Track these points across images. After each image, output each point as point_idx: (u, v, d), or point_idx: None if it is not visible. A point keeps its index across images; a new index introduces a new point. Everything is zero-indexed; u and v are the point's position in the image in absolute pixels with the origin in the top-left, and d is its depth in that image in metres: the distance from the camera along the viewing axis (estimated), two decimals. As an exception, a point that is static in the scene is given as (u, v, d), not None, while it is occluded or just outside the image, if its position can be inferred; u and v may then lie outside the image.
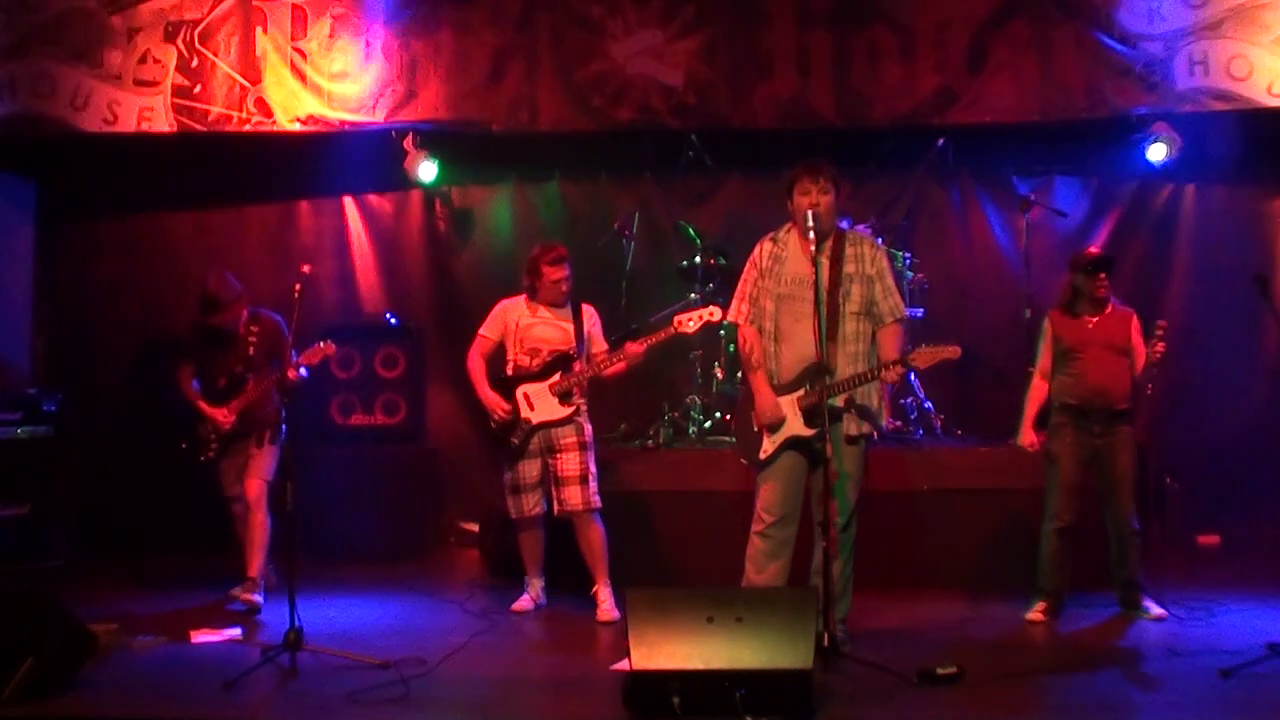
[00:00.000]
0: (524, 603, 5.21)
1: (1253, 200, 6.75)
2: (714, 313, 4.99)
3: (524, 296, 5.23)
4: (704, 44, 6.32)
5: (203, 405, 5.35)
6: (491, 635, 4.81)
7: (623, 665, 3.89)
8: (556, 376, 5.08)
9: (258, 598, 5.19)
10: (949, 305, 6.69)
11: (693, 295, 6.30)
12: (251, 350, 5.33)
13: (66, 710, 3.87)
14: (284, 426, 5.33)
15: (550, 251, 5.16)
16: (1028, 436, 4.98)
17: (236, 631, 4.80)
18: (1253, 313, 6.76)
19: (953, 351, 4.18)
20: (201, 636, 4.75)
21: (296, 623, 4.18)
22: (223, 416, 5.31)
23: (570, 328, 5.16)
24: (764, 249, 4.45)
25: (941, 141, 6.53)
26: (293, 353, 4.97)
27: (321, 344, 5.13)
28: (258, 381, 5.31)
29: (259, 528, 5.29)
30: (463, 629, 4.86)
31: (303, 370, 5.07)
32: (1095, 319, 4.93)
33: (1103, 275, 4.86)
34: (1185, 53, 6.03)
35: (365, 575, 5.95)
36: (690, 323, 4.98)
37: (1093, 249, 5.06)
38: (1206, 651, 4.31)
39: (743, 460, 4.52)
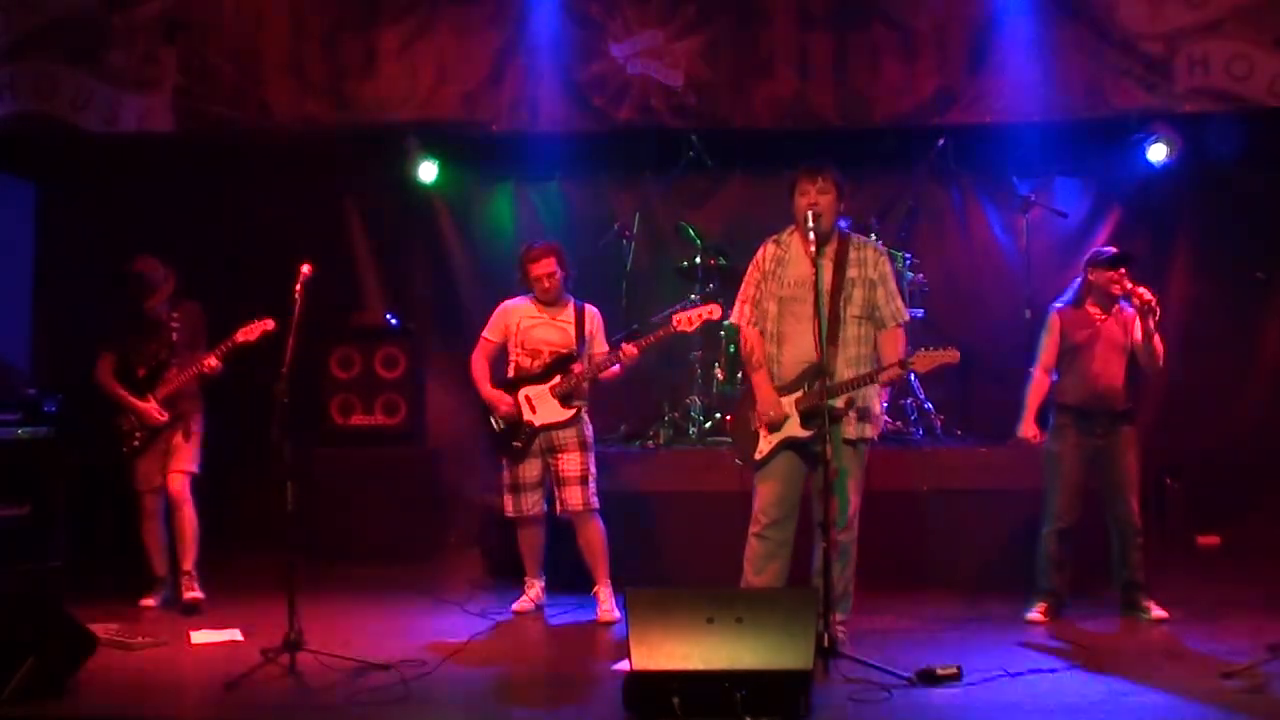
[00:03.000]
0: (524, 603, 5.21)
1: (1253, 201, 6.75)
2: (713, 311, 4.99)
3: (525, 298, 5.23)
4: (704, 44, 6.33)
5: (131, 398, 5.26)
6: (491, 636, 4.82)
7: (623, 665, 3.89)
8: (557, 379, 5.08)
9: (198, 592, 5.22)
10: (949, 305, 6.69)
11: (693, 296, 6.30)
12: (175, 336, 5.26)
13: (67, 711, 3.87)
14: (203, 418, 5.33)
15: (532, 249, 5.16)
16: (1029, 429, 4.97)
17: (236, 632, 4.80)
18: (1253, 313, 6.79)
19: (951, 356, 4.17)
20: (201, 637, 4.75)
21: (296, 624, 4.17)
22: (155, 410, 5.23)
23: (571, 329, 5.16)
24: (767, 251, 4.46)
25: (942, 142, 6.52)
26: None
27: (258, 320, 5.00)
28: (181, 369, 5.22)
29: (189, 522, 5.26)
30: (463, 629, 4.86)
31: (214, 361, 5.05)
32: (1103, 317, 4.92)
33: (1122, 270, 4.85)
34: (1185, 53, 6.03)
35: (365, 576, 5.95)
36: (689, 321, 4.97)
37: (1112, 247, 5.06)
38: (1207, 653, 4.31)
39: (737, 461, 4.51)
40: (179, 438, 5.30)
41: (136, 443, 5.28)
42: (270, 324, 4.98)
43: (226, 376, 5.25)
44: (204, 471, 5.41)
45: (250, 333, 5.02)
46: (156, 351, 5.28)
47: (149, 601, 5.32)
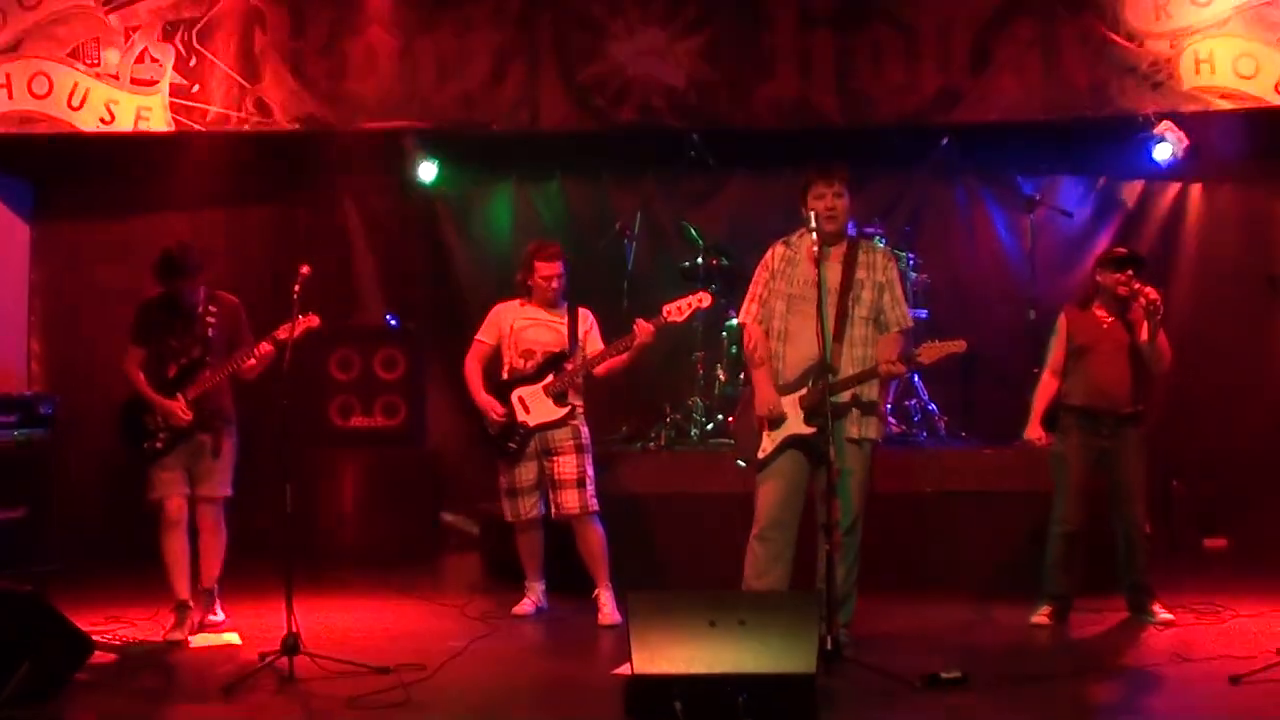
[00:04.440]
0: (524, 606, 5.20)
1: (1261, 200, 6.73)
2: (702, 299, 4.99)
3: (519, 300, 5.22)
4: (706, 44, 6.32)
5: (154, 395, 4.77)
6: (491, 639, 4.79)
7: (624, 669, 3.87)
8: (550, 377, 5.07)
9: (217, 613, 4.95)
10: (953, 306, 6.67)
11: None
12: (210, 332, 4.83)
13: (63, 715, 3.85)
14: (235, 428, 4.93)
15: (545, 248, 5.16)
16: (1034, 431, 4.96)
17: (234, 636, 4.78)
18: (1261, 314, 6.76)
19: (958, 345, 4.16)
20: (198, 640, 4.74)
21: (294, 627, 4.16)
22: (180, 409, 4.73)
23: (564, 329, 5.15)
24: (777, 252, 4.46)
25: (945, 141, 6.51)
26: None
27: (302, 317, 4.55)
28: (215, 369, 4.80)
29: (220, 545, 4.92)
30: (462, 633, 4.84)
31: (268, 346, 4.67)
32: (1111, 319, 4.91)
33: (1129, 272, 4.84)
34: (1192, 51, 6.01)
35: (364, 579, 5.93)
36: (679, 311, 4.95)
37: (1121, 248, 5.05)
38: (1215, 656, 4.28)
39: (739, 461, 4.50)
40: (208, 458, 4.84)
41: (160, 444, 4.79)
42: (315, 321, 4.62)
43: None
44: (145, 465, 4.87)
45: (291, 330, 4.52)
46: (189, 347, 4.82)
47: (177, 635, 4.72)
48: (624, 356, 5.03)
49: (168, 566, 4.85)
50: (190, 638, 4.75)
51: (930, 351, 4.17)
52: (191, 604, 4.85)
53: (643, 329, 4.94)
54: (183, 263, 4.77)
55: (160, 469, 4.84)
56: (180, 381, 4.83)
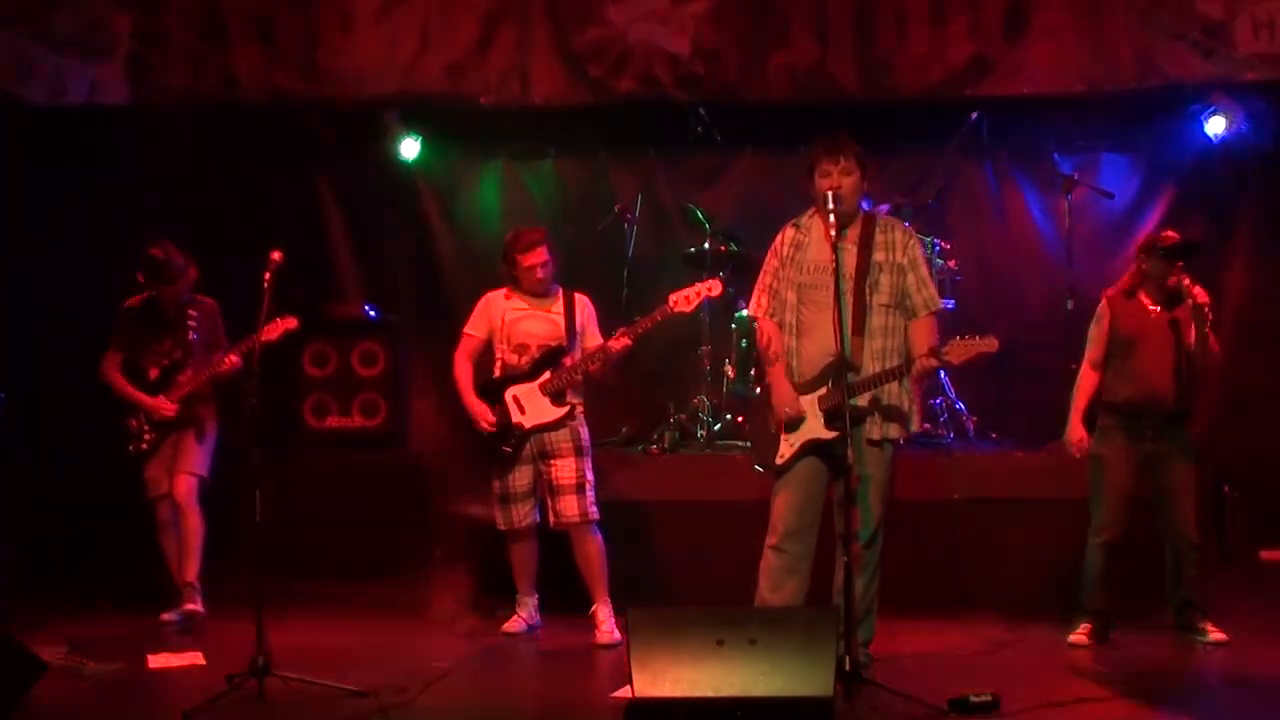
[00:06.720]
0: (515, 623, 5.21)
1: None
2: (712, 287, 4.99)
3: (506, 289, 5.21)
4: (713, 8, 6.31)
5: (137, 393, 5.38)
6: (480, 660, 4.82)
7: (624, 693, 3.89)
8: (546, 375, 5.07)
9: (198, 605, 5.32)
10: (983, 296, 6.68)
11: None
12: (191, 335, 5.37)
13: (9, 743, 3.88)
14: (217, 423, 5.48)
15: (523, 238, 5.14)
16: (1076, 433, 4.95)
17: (198, 656, 4.79)
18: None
19: (989, 344, 4.15)
20: (159, 661, 4.75)
21: (264, 646, 4.16)
22: (163, 404, 5.34)
23: (560, 320, 5.14)
24: (786, 236, 4.46)
25: (975, 115, 6.51)
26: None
27: (280, 319, 4.97)
28: (196, 371, 5.35)
29: (194, 532, 5.37)
30: (448, 653, 4.86)
31: (235, 359, 5.18)
32: (1159, 310, 4.89)
33: (1179, 264, 4.82)
34: (1249, 13, 5.99)
35: (341, 593, 5.94)
36: (686, 301, 4.95)
37: (1172, 233, 5.03)
38: (1273, 680, 4.29)
39: (757, 467, 4.52)
40: (190, 440, 5.42)
41: (145, 445, 5.39)
42: (293, 323, 5.03)
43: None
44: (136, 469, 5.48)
45: (271, 331, 4.95)
46: (171, 350, 5.39)
47: (169, 616, 5.36)
48: (597, 365, 5.00)
49: (166, 559, 5.47)
50: (149, 657, 4.77)
51: (958, 350, 4.14)
52: (198, 584, 5.38)
53: (617, 343, 4.94)
54: (165, 268, 5.31)
55: (147, 469, 5.43)
56: (162, 384, 5.40)
